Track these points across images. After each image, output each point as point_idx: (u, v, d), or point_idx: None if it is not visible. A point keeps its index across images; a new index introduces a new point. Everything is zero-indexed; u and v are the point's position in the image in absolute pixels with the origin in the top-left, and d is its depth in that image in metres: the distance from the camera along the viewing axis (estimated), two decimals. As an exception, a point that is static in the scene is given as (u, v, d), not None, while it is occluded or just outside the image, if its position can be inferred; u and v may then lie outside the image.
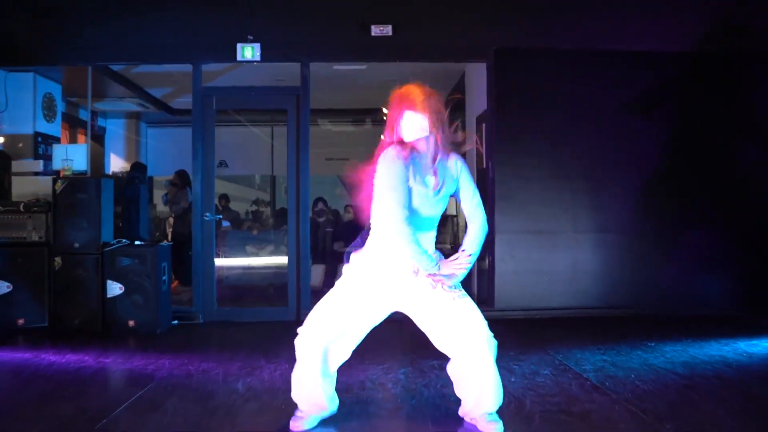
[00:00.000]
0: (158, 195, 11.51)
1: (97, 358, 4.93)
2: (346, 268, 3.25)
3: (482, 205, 3.25)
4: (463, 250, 3.14)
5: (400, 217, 2.95)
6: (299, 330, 3.23)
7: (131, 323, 6.01)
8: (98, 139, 11.15)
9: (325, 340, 3.18)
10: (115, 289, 6.04)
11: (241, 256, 9.95)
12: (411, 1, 6.74)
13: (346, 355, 3.33)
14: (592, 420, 3.40)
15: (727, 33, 6.80)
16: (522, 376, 4.28)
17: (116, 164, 11.29)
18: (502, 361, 4.62)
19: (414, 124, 3.03)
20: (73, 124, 9.81)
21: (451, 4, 6.76)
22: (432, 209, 3.14)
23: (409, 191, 3.01)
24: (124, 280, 6.04)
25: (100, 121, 11.29)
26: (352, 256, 3.25)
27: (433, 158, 3.07)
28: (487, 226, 3.22)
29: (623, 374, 4.29)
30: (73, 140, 9.67)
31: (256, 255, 9.96)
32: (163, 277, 6.21)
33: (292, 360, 3.27)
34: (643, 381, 4.12)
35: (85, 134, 10.42)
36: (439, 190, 3.09)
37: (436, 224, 3.23)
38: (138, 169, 9.10)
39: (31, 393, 4.06)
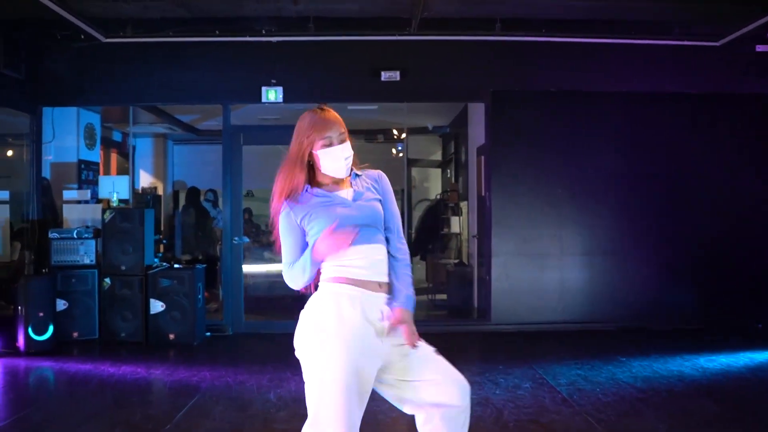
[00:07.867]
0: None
1: (148, 369, 5.83)
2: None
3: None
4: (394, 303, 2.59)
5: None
6: None
7: (171, 336, 6.91)
8: (127, 156, 12.05)
9: None
10: (157, 306, 6.94)
11: (263, 263, 10.78)
12: (416, 51, 7.57)
13: None
14: (555, 428, 4.24)
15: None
16: (506, 389, 5.13)
17: (144, 180, 12.18)
18: (491, 374, 5.53)
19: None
20: (107, 145, 10.70)
21: (453, 52, 7.59)
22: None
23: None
24: (165, 298, 6.94)
25: (130, 141, 12.18)
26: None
27: None
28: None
29: (590, 388, 5.14)
30: (107, 159, 10.56)
31: (275, 261, 10.75)
32: (199, 296, 7.10)
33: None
34: (605, 394, 4.97)
35: (117, 153, 11.42)
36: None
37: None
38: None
39: (99, 401, 4.96)
